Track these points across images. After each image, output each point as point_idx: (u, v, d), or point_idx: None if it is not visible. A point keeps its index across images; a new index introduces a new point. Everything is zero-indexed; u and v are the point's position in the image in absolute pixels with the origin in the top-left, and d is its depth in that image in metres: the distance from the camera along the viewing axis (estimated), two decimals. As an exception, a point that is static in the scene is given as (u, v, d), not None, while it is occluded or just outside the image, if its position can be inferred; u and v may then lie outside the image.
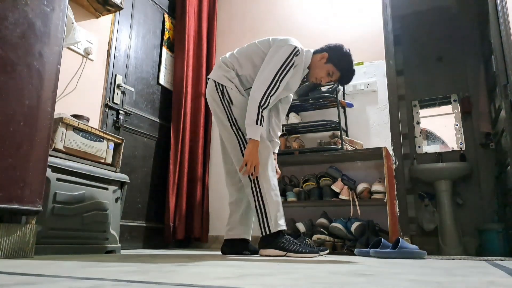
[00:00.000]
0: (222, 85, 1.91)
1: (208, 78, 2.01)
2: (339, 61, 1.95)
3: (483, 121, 3.66)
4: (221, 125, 1.94)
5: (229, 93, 1.90)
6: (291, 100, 2.27)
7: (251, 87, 1.90)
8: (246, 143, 1.83)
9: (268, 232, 1.76)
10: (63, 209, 1.68)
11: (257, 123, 1.76)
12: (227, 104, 1.90)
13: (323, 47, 2.01)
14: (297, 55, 1.86)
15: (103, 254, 1.79)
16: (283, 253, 1.74)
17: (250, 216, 2.02)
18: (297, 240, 1.99)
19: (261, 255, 1.79)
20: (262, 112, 1.78)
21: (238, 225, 1.98)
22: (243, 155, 1.85)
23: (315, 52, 2.00)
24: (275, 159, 2.13)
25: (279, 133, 2.21)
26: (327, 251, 2.02)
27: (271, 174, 1.83)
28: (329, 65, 1.95)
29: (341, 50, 1.97)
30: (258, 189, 1.80)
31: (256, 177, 1.80)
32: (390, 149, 2.64)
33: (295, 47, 1.86)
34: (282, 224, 1.79)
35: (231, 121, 1.89)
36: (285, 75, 1.84)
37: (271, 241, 1.76)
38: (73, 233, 1.73)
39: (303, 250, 1.75)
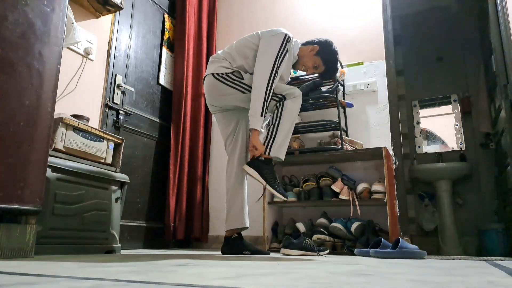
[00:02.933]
0: (222, 73, 1.92)
1: (204, 78, 2.01)
2: (327, 57, 2.05)
3: (483, 121, 3.66)
4: (240, 102, 1.93)
5: (233, 74, 1.91)
6: None
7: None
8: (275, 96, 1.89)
9: (267, 152, 1.82)
10: (63, 209, 1.68)
11: (261, 115, 1.81)
12: (237, 81, 1.90)
13: (314, 39, 2.09)
14: (289, 41, 1.91)
15: (103, 254, 1.79)
16: (259, 177, 1.80)
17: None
18: (297, 240, 1.99)
19: (243, 169, 1.88)
20: (266, 106, 1.83)
21: (228, 215, 2.02)
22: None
23: (306, 44, 2.08)
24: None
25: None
26: (327, 251, 2.02)
27: (298, 102, 1.92)
28: (317, 57, 2.05)
29: (331, 47, 2.07)
30: (280, 112, 1.86)
31: (284, 106, 1.86)
32: (390, 149, 2.64)
33: (286, 34, 1.91)
34: (281, 154, 1.85)
35: (248, 90, 1.89)
36: (281, 63, 1.88)
37: (259, 164, 1.82)
38: (73, 233, 1.73)
39: (278, 189, 1.80)
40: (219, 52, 2.06)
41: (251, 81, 1.89)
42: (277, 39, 1.89)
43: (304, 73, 2.83)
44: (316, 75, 2.73)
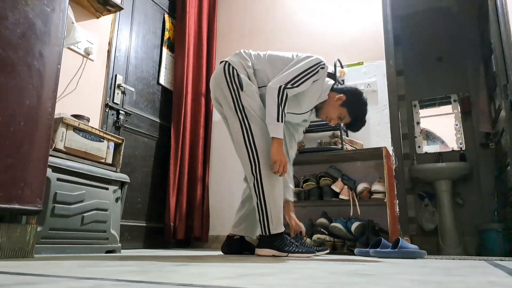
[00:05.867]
0: (233, 68, 1.82)
1: (221, 62, 1.90)
2: (354, 108, 1.89)
3: (483, 121, 3.66)
4: (228, 112, 1.83)
5: (239, 77, 1.80)
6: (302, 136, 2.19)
7: (263, 86, 1.84)
8: (252, 133, 1.77)
9: (267, 233, 1.74)
10: (63, 209, 1.68)
11: (278, 121, 1.71)
12: (236, 89, 1.80)
13: (343, 87, 1.95)
14: (322, 67, 1.82)
15: (103, 254, 1.79)
16: (278, 253, 1.73)
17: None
18: (295, 239, 1.99)
19: (257, 255, 1.79)
20: (282, 109, 1.72)
21: (243, 222, 1.97)
22: (246, 145, 1.78)
23: (334, 89, 1.93)
24: (291, 210, 2.05)
25: (292, 174, 2.13)
26: (327, 251, 2.02)
27: (276, 175, 1.78)
28: (343, 108, 1.89)
29: (359, 97, 1.91)
30: (261, 188, 1.74)
31: (260, 176, 1.75)
32: (390, 149, 2.64)
33: (322, 60, 1.84)
34: (282, 226, 1.78)
35: (237, 107, 1.79)
36: (307, 80, 1.78)
37: (268, 242, 1.75)
38: (73, 233, 1.73)
39: (300, 250, 1.75)
40: (250, 50, 1.96)
41: (251, 97, 1.79)
42: (311, 60, 1.82)
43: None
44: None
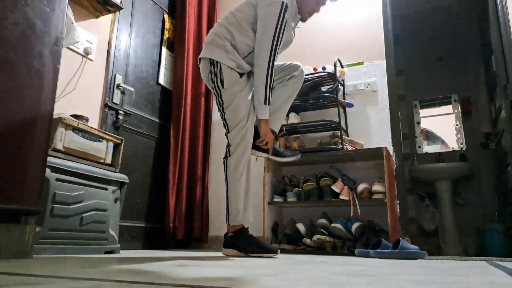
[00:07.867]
0: (217, 62, 1.80)
1: (200, 59, 1.89)
2: None
3: (483, 121, 3.65)
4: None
5: (222, 73, 1.80)
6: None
7: (248, 54, 1.85)
8: (228, 126, 1.84)
9: (227, 223, 1.82)
10: (62, 209, 1.68)
11: (265, 103, 1.78)
12: (218, 87, 1.83)
13: None
14: (286, 10, 1.81)
15: (102, 255, 1.79)
16: (242, 254, 1.78)
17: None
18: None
19: (223, 254, 1.84)
20: (269, 91, 1.77)
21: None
22: (226, 135, 1.88)
23: None
24: None
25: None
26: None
27: (241, 169, 1.82)
28: None
29: None
30: (226, 177, 1.84)
31: (227, 165, 1.82)
32: (390, 149, 2.64)
33: (282, 3, 1.80)
34: (240, 220, 1.81)
35: (218, 102, 1.85)
36: (281, 37, 1.80)
37: (231, 241, 1.81)
38: (72, 233, 1.73)
39: (261, 250, 1.78)
40: (216, 26, 1.91)
41: (230, 99, 1.82)
42: (274, 10, 1.78)
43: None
44: (317, 75, 2.74)
